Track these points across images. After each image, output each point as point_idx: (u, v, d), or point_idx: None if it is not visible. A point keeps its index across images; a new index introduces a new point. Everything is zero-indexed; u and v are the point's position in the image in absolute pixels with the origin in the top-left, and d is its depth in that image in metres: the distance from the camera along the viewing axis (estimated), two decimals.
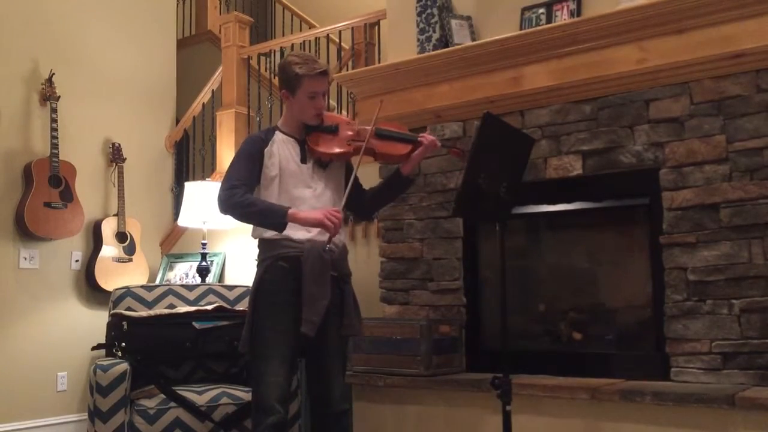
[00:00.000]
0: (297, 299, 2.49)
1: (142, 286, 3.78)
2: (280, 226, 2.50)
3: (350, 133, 2.66)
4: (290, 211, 2.48)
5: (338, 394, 2.64)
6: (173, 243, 5.01)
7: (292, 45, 4.95)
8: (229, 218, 4.37)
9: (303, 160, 2.63)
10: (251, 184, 2.59)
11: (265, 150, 2.61)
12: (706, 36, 2.84)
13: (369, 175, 3.40)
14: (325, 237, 2.50)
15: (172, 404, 3.21)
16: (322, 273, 2.50)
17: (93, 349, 3.61)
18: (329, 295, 2.51)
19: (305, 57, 2.67)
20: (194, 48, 6.33)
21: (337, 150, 2.63)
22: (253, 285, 2.60)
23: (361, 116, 3.72)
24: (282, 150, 2.62)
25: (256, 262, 2.66)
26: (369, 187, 2.87)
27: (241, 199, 2.51)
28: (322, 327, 2.50)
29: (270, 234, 2.57)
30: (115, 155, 4.67)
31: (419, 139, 2.65)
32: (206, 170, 5.19)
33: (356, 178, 2.61)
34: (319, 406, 2.64)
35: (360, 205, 2.77)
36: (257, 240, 2.68)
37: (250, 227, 4.68)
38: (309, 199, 2.58)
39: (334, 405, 2.62)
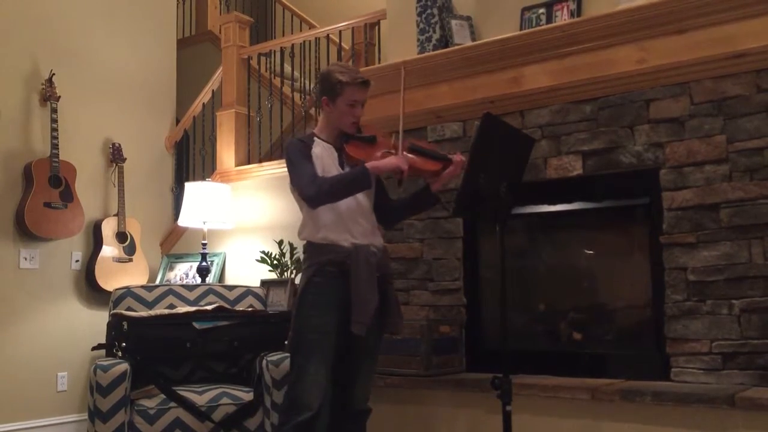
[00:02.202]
0: (343, 302, 2.57)
1: (142, 286, 3.77)
2: (370, 182, 2.64)
3: (387, 144, 2.72)
4: (368, 165, 2.58)
5: (362, 394, 2.73)
6: (173, 243, 5.01)
7: (292, 45, 4.95)
8: (228, 218, 4.44)
9: (341, 166, 2.70)
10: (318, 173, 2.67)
11: (311, 151, 2.68)
12: (707, 36, 2.83)
13: None
14: (369, 241, 2.65)
15: (172, 404, 3.21)
16: (370, 276, 2.60)
17: (93, 349, 3.61)
18: (377, 296, 2.60)
19: (348, 67, 2.81)
20: (194, 48, 6.33)
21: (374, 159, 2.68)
22: (300, 286, 2.69)
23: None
24: (323, 154, 2.69)
25: (303, 266, 2.74)
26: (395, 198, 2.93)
27: (328, 185, 2.59)
28: None
29: (318, 238, 2.65)
30: (115, 155, 4.67)
31: (450, 157, 2.70)
32: (206, 170, 5.19)
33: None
34: (341, 402, 2.69)
35: (385, 212, 2.84)
36: (304, 241, 2.75)
37: (249, 228, 4.68)
38: (350, 203, 2.65)
39: (356, 403, 2.71)
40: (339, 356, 2.66)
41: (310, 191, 2.59)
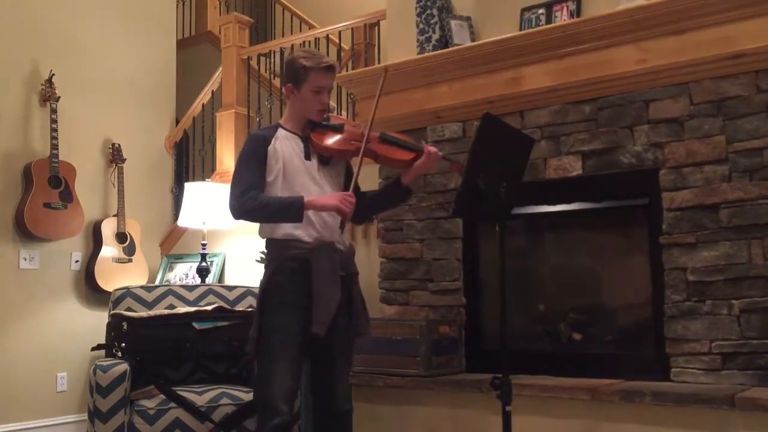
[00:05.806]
0: (306, 300, 2.48)
1: (141, 287, 3.78)
2: (299, 218, 2.50)
3: (354, 133, 2.64)
4: (306, 199, 2.48)
5: (342, 395, 2.63)
6: (173, 243, 5.01)
7: (292, 45, 4.95)
8: (228, 219, 4.42)
9: (307, 157, 2.61)
10: (260, 186, 2.57)
11: (269, 148, 2.59)
12: (706, 36, 2.83)
13: (368, 176, 3.40)
14: (334, 237, 2.53)
15: (172, 405, 3.21)
16: (332, 273, 2.51)
17: (93, 349, 3.62)
18: (339, 295, 2.51)
19: (313, 52, 2.69)
20: (194, 48, 6.34)
21: (340, 146, 2.61)
22: (261, 285, 2.59)
23: (360, 116, 3.72)
24: (285, 146, 2.60)
25: (264, 263, 2.64)
26: (367, 190, 2.82)
27: (256, 202, 2.50)
28: (330, 326, 2.50)
29: (279, 234, 2.56)
30: (115, 156, 4.67)
31: (422, 147, 2.62)
32: (206, 171, 5.19)
33: (357, 174, 2.60)
34: (323, 405, 2.64)
35: (358, 208, 2.74)
36: (265, 240, 2.66)
37: (249, 228, 4.66)
38: (315, 195, 2.55)
39: (338, 405, 2.61)
40: (314, 361, 2.62)
41: (234, 203, 2.52)
